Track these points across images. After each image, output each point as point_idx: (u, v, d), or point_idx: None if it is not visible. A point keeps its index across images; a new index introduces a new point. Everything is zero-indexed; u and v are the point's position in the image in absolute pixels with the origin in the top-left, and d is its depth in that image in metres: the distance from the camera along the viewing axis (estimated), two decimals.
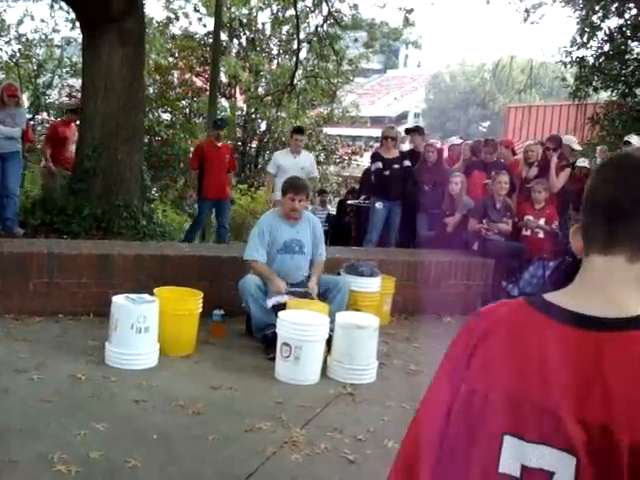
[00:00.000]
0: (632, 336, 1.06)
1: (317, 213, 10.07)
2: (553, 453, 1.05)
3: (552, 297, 1.16)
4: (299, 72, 15.94)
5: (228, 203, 9.75)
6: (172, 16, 18.33)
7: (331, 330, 5.35)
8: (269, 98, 17.77)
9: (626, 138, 8.75)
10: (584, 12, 13.50)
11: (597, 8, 13.26)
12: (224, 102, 18.29)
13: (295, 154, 9.22)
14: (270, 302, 5.84)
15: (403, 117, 50.96)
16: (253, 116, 18.47)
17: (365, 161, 19.47)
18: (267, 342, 5.59)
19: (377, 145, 11.14)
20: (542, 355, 1.09)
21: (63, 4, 14.42)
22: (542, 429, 1.06)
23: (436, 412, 1.19)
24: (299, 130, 9.73)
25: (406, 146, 10.43)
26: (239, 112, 18.54)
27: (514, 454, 1.09)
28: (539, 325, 1.12)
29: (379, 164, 8.78)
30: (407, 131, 10.48)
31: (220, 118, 11.93)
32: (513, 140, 14.91)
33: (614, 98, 13.51)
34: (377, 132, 12.16)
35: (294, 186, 6.10)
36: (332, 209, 11.46)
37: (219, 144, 9.64)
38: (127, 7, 8.68)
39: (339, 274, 6.47)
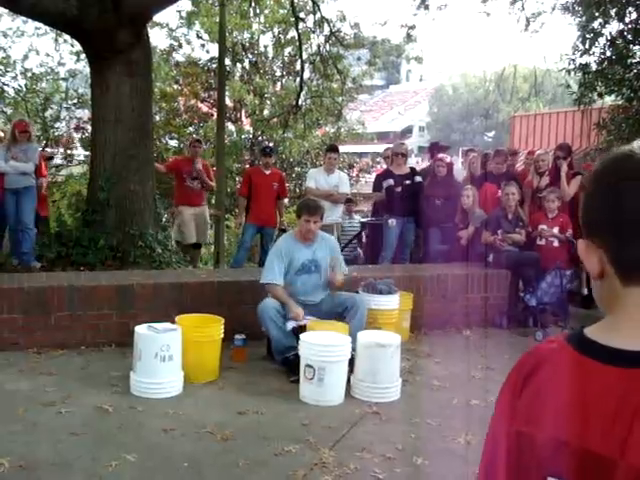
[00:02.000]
0: None
1: (345, 222, 10.06)
2: None
3: (595, 334, 1.09)
4: (304, 92, 16.02)
5: (274, 230, 9.55)
6: (175, 44, 18.51)
7: (353, 350, 5.37)
8: (275, 120, 17.88)
9: (637, 143, 8.70)
10: (584, 19, 13.54)
11: (597, 14, 13.30)
12: (231, 126, 18.41)
13: (328, 172, 9.19)
14: (290, 324, 5.88)
15: (408, 131, 51.16)
16: (260, 138, 18.57)
17: (370, 178, 19.56)
18: (289, 365, 5.61)
19: (382, 161, 11.19)
20: (582, 396, 1.05)
21: (67, 37, 14.58)
22: (585, 473, 1.02)
23: (501, 460, 1.14)
24: (333, 149, 9.65)
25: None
26: (245, 135, 18.65)
27: None
28: (578, 364, 1.07)
29: (390, 181, 8.82)
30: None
31: (268, 145, 12.03)
32: (519, 149, 14.94)
33: (619, 102, 13.51)
34: (382, 148, 12.21)
35: (308, 208, 6.16)
36: (357, 218, 11.36)
37: (267, 171, 9.64)
38: (133, 38, 8.77)
39: (357, 292, 6.49)
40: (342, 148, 21.01)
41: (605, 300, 1.12)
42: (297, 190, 17.10)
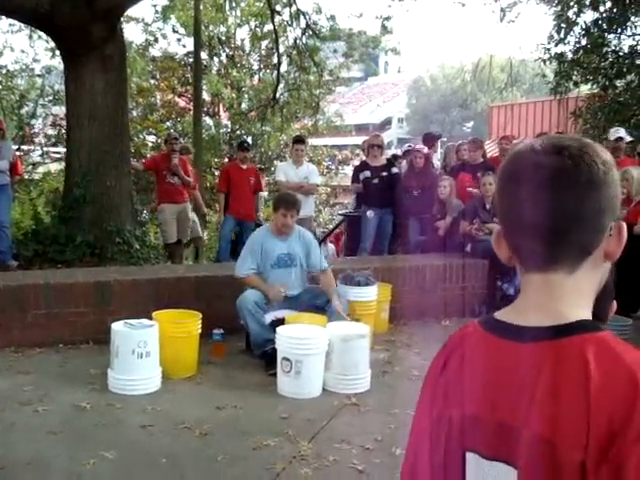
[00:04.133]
0: (573, 341, 1.04)
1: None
2: (503, 469, 1.05)
3: (502, 315, 1.15)
4: (281, 86, 16.01)
5: (252, 225, 9.45)
6: (151, 38, 18.40)
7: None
8: (253, 113, 17.83)
9: (615, 134, 8.70)
10: (559, 8, 13.60)
11: (572, 3, 13.36)
12: (208, 120, 18.34)
13: (297, 164, 9.13)
14: (268, 318, 5.88)
15: (387, 123, 51.18)
16: (238, 132, 18.52)
17: (349, 171, 19.57)
18: (267, 358, 5.61)
19: (361, 153, 11.18)
20: (490, 372, 1.10)
21: (42, 34, 14.44)
22: (497, 445, 1.06)
23: (424, 444, 1.19)
24: (299, 140, 9.59)
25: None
26: (224, 129, 18.59)
27: (476, 472, 1.09)
28: (487, 344, 1.13)
29: (367, 173, 8.83)
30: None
31: (245, 140, 11.95)
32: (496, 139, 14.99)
33: (595, 91, 13.60)
34: (362, 140, 12.22)
35: (285, 202, 6.15)
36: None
37: (244, 166, 9.61)
38: (107, 33, 8.71)
39: (336, 285, 6.49)
40: (321, 141, 21.15)
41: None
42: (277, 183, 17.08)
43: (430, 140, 10.21)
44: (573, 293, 1.10)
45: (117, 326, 5.22)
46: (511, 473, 1.03)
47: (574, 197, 1.06)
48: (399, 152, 10.33)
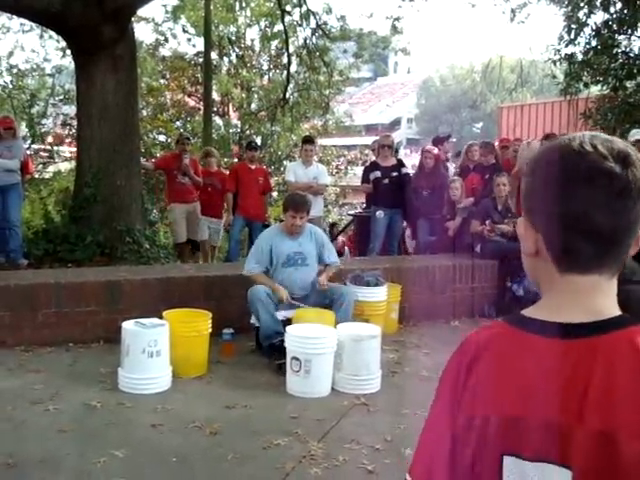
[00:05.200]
0: (622, 334, 1.06)
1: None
2: (553, 469, 1.04)
3: (534, 313, 1.15)
4: (291, 86, 16.01)
5: (261, 225, 9.33)
6: (161, 38, 18.45)
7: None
8: (263, 113, 17.84)
9: (635, 135, 8.51)
10: (570, 9, 13.56)
11: (582, 4, 13.32)
12: (218, 120, 18.36)
13: (306, 164, 9.13)
14: (280, 315, 5.89)
15: (396, 123, 51.14)
16: (248, 132, 18.53)
17: (358, 171, 19.55)
18: (275, 350, 5.63)
19: (371, 153, 11.16)
20: (532, 371, 1.09)
21: (53, 34, 14.50)
22: (540, 446, 1.05)
23: (444, 447, 1.17)
24: (308, 140, 9.59)
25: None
26: (233, 129, 18.61)
27: (516, 475, 1.08)
28: (524, 342, 1.12)
29: (377, 173, 8.83)
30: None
31: (253, 140, 11.95)
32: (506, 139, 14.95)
33: (605, 92, 13.55)
34: (371, 140, 12.21)
35: (294, 204, 6.16)
36: None
37: (253, 166, 9.60)
38: (118, 33, 8.74)
39: (345, 285, 6.50)
40: (330, 141, 21.15)
41: (540, 279, 1.18)
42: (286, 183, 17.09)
43: (438, 142, 10.19)
44: (609, 293, 1.13)
45: (128, 325, 5.23)
46: (561, 472, 1.03)
47: (634, 206, 1.09)
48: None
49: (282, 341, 5.35)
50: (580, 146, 1.11)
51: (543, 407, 1.06)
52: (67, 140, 16.25)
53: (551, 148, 1.17)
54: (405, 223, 9.27)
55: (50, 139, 16.20)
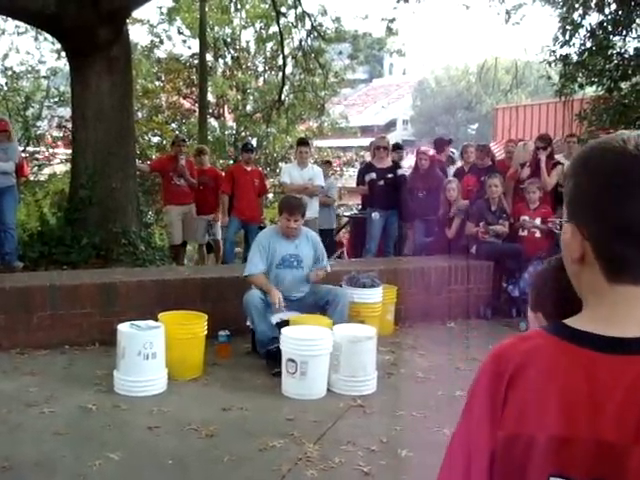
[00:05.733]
0: None
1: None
2: None
3: (579, 325, 1.08)
4: (286, 87, 16.00)
5: (257, 227, 9.25)
6: (156, 40, 18.43)
7: None
8: (258, 115, 17.84)
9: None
10: (564, 10, 13.59)
11: (577, 5, 13.35)
12: (213, 122, 18.36)
13: (302, 166, 9.16)
14: (274, 319, 5.89)
15: (392, 125, 51.17)
16: (243, 134, 18.53)
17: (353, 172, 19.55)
18: (270, 357, 5.62)
19: (367, 154, 11.15)
20: (583, 388, 1.03)
21: (48, 36, 14.48)
22: (594, 466, 1.00)
23: (482, 464, 1.10)
24: (303, 142, 9.65)
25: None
26: (229, 131, 18.61)
27: None
28: (574, 357, 1.05)
29: (373, 175, 8.84)
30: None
31: (249, 142, 11.94)
32: (501, 141, 14.99)
33: (600, 93, 13.58)
34: (367, 141, 12.22)
35: (289, 207, 6.15)
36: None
37: (248, 168, 9.59)
38: (113, 35, 8.73)
39: (341, 286, 6.49)
40: (326, 142, 21.15)
41: (585, 288, 1.12)
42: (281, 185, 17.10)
43: (440, 145, 10.19)
44: None
45: (123, 327, 5.23)
46: None
47: None
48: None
49: (278, 348, 5.35)
50: (636, 148, 1.07)
51: (595, 426, 1.01)
52: (62, 142, 16.23)
53: (601, 149, 1.11)
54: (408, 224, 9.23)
55: (46, 141, 16.17)
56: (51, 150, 16.07)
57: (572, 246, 1.11)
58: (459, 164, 9.80)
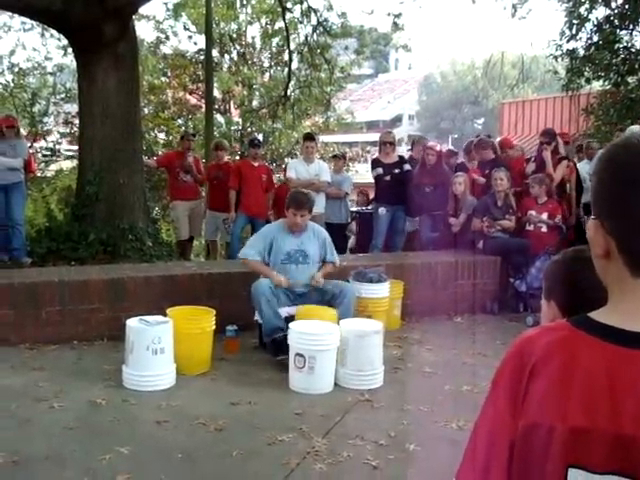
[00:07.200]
0: None
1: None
2: None
3: (603, 318, 1.10)
4: (292, 83, 15.98)
5: (264, 222, 9.08)
6: (162, 36, 18.44)
7: None
8: (264, 111, 17.84)
9: (629, 131, 8.62)
10: (571, 4, 13.56)
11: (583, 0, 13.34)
12: (219, 118, 18.35)
13: (308, 162, 9.16)
14: (283, 312, 5.90)
15: (397, 120, 51.13)
16: (249, 129, 18.53)
17: (360, 168, 19.55)
18: (276, 345, 5.64)
19: (374, 149, 11.13)
20: (604, 381, 1.04)
21: (54, 32, 14.51)
22: (612, 458, 1.01)
23: (503, 453, 1.12)
24: (309, 137, 9.62)
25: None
26: (235, 127, 18.61)
27: None
28: (597, 350, 1.07)
29: (379, 170, 8.84)
30: None
31: (256, 137, 11.93)
32: (509, 136, 14.97)
33: (607, 87, 13.56)
34: (372, 137, 12.21)
35: (296, 202, 6.16)
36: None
37: (256, 164, 9.59)
38: (119, 32, 8.75)
39: (348, 282, 6.50)
40: (331, 138, 21.13)
41: (611, 283, 1.13)
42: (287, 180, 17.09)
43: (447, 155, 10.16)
44: None
45: (132, 322, 5.25)
46: None
47: None
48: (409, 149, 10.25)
49: (285, 337, 5.37)
50: None
51: (615, 420, 1.02)
52: (68, 138, 16.27)
53: (622, 146, 1.13)
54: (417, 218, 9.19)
55: (53, 137, 16.21)
56: (57, 147, 16.11)
57: (596, 241, 1.13)
58: (461, 159, 9.77)
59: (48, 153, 15.72)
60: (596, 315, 1.10)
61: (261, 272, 6.03)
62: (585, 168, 8.91)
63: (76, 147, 11.50)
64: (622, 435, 1.01)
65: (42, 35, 16.94)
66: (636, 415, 1.00)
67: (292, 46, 15.28)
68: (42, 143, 15.94)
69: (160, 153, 15.37)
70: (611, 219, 1.10)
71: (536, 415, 1.08)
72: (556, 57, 13.79)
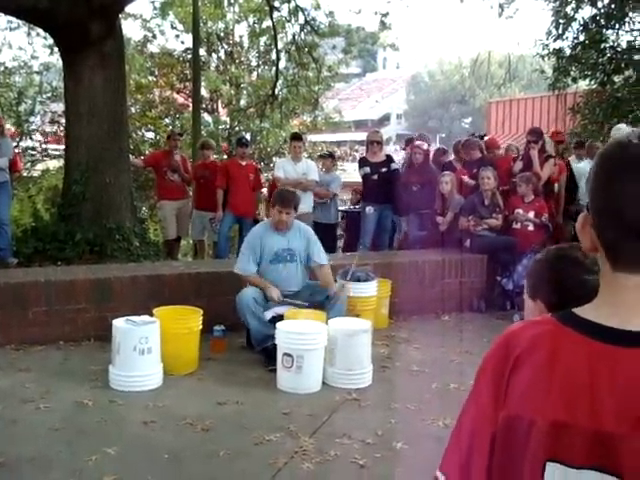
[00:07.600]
0: None
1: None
2: (600, 477, 1.01)
3: (586, 313, 1.10)
4: (280, 82, 15.98)
5: (251, 221, 9.23)
6: (149, 35, 18.38)
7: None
8: (252, 110, 17.81)
9: (616, 130, 8.66)
10: (558, 4, 13.61)
11: None
12: (207, 117, 18.31)
13: (295, 161, 9.16)
14: (268, 314, 5.89)
15: (385, 119, 51.20)
16: (237, 129, 18.49)
17: (348, 167, 19.52)
18: (267, 354, 5.63)
19: (362, 148, 11.13)
20: (585, 377, 1.04)
21: (41, 31, 14.43)
22: (591, 454, 1.01)
23: (484, 444, 1.13)
24: (297, 137, 9.64)
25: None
26: (223, 126, 18.57)
27: None
28: (577, 345, 1.07)
29: (367, 169, 8.85)
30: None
31: (244, 136, 11.90)
32: (495, 135, 15.02)
33: (593, 87, 13.62)
34: (361, 136, 12.22)
35: (281, 199, 6.15)
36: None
37: (243, 163, 9.58)
38: (105, 30, 8.70)
39: (335, 280, 6.49)
40: (319, 137, 21.12)
41: (600, 277, 1.13)
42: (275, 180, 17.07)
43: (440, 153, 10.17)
44: None
45: (119, 322, 5.23)
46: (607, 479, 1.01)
47: None
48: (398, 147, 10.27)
49: (274, 345, 5.36)
50: (628, 138, 1.08)
51: (594, 416, 1.02)
52: (52, 138, 16.18)
53: (609, 143, 1.14)
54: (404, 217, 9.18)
55: (39, 137, 16.13)
56: (44, 146, 16.02)
57: (582, 235, 1.14)
58: (451, 158, 9.78)
59: (34, 152, 15.63)
60: (580, 311, 1.11)
61: (259, 286, 6.00)
62: (586, 168, 8.93)
63: (62, 146, 11.43)
64: (602, 432, 1.01)
65: (28, 34, 16.85)
66: (616, 412, 1.01)
67: (280, 45, 15.29)
68: (28, 142, 15.85)
69: (147, 152, 15.32)
70: (593, 213, 1.11)
71: (517, 407, 1.09)
72: (543, 56, 13.84)
